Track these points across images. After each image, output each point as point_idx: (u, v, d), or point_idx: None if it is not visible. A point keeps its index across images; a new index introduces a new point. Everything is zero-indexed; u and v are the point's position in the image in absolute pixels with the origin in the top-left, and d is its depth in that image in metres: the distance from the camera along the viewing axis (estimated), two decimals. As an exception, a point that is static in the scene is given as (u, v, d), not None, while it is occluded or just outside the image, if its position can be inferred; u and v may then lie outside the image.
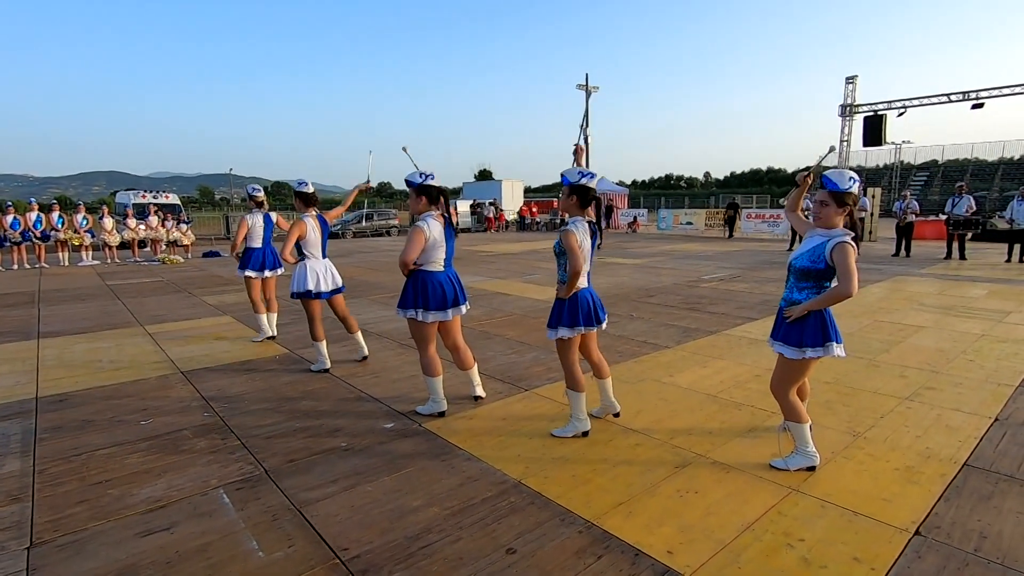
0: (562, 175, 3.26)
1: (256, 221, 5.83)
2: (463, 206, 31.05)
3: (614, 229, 28.85)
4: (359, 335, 5.02)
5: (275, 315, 6.00)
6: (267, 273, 5.83)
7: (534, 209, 31.47)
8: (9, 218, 13.04)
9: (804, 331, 2.70)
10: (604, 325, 3.35)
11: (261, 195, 5.98)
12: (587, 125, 28.15)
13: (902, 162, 49.73)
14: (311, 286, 4.58)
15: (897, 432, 3.34)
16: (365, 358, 5.01)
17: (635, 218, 28.21)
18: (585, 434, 3.30)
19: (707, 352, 5.15)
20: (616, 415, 3.56)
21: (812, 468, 2.84)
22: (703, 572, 2.09)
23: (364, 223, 26.93)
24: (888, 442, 3.20)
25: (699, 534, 2.33)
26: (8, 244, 13.06)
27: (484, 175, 70.16)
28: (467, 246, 18.73)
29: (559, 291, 3.24)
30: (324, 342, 4.75)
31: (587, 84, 28.16)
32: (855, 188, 2.69)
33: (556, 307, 3.25)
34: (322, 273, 4.66)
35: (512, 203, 34.07)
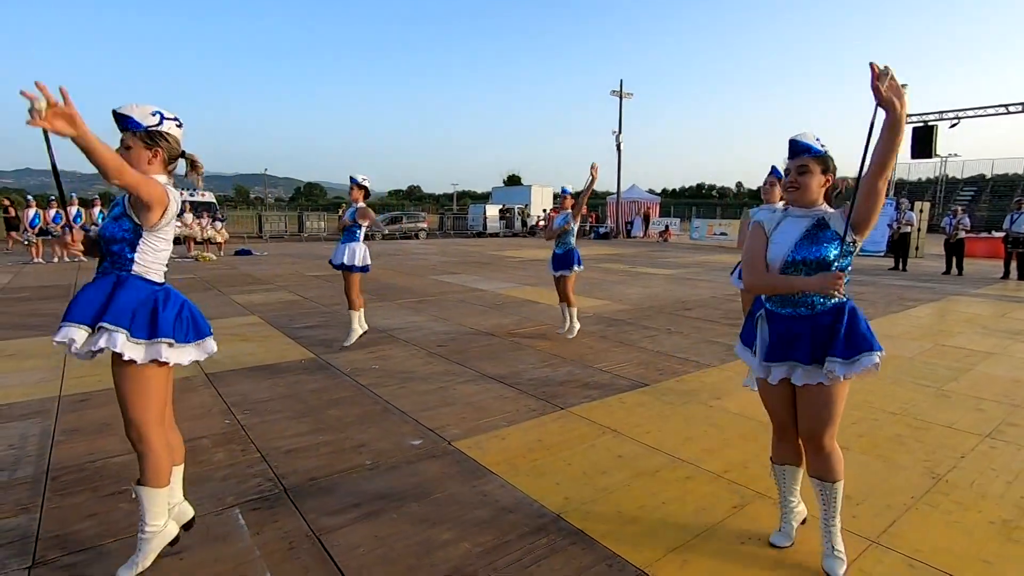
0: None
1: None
2: (492, 210, 30.97)
3: (648, 238, 28.34)
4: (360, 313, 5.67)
5: None
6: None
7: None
8: (52, 212, 13.37)
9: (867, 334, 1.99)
10: None
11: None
12: (620, 131, 27.79)
13: (947, 176, 47.81)
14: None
15: (984, 476, 2.96)
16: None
17: (667, 227, 27.68)
18: None
19: (755, 373, 4.79)
20: None
21: None
22: (779, 643, 1.79)
23: (393, 225, 27.03)
24: (976, 488, 2.83)
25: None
26: (50, 236, 13.38)
27: (513, 180, 70.21)
28: (494, 251, 18.56)
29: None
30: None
31: (621, 90, 27.81)
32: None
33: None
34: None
35: (541, 209, 33.90)
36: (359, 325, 5.66)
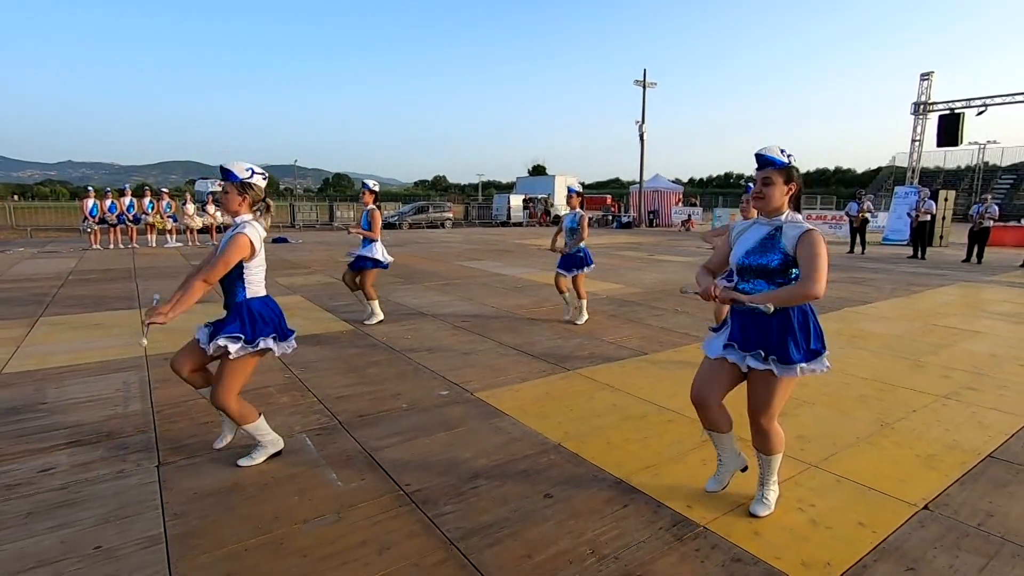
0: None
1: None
2: (516, 200, 31.48)
3: (671, 227, 28.53)
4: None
5: None
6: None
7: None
8: (108, 202, 14.45)
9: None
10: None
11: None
12: (643, 121, 27.97)
13: (986, 163, 46.37)
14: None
15: (927, 425, 3.46)
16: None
17: (689, 216, 27.80)
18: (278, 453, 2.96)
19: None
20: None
21: None
22: (716, 524, 2.37)
23: (420, 215, 27.79)
24: (915, 433, 3.33)
25: (718, 495, 2.60)
26: (106, 225, 14.47)
27: (538, 170, 70.45)
28: (517, 239, 19.13)
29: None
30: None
31: (644, 80, 27.93)
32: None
33: None
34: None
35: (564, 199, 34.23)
36: (377, 311, 6.17)
